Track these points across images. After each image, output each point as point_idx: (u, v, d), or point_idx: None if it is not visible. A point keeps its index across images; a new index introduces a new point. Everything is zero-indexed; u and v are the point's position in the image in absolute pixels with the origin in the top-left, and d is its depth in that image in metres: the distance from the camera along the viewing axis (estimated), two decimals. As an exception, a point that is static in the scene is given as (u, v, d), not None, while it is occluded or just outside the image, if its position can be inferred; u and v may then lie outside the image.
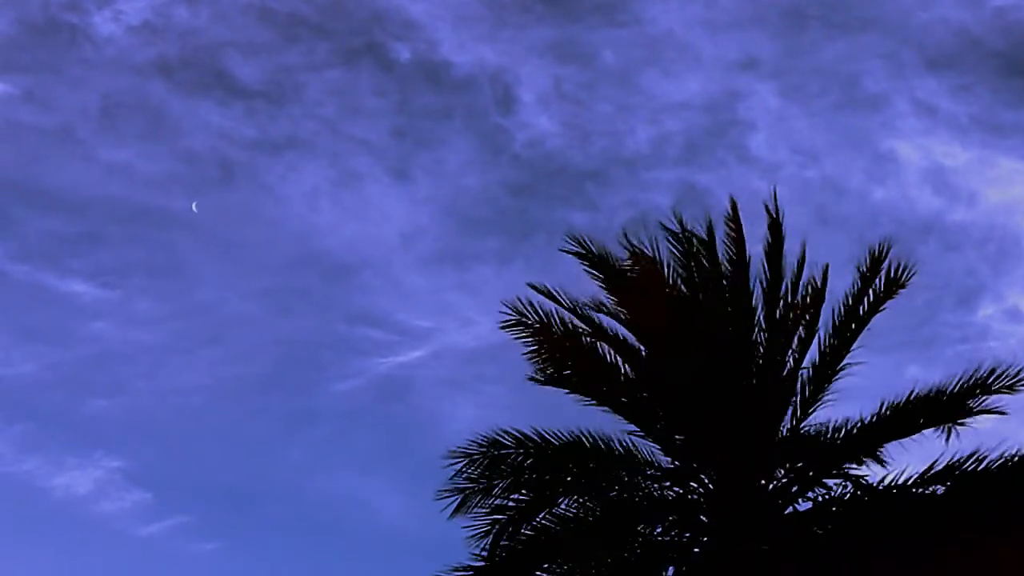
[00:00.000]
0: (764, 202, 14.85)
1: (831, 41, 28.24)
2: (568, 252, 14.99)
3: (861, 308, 14.62)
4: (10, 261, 29.79)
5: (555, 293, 14.96)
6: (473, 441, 14.57)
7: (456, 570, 14.10)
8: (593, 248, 14.97)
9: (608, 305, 14.94)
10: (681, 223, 14.88)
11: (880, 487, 13.81)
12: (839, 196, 28.15)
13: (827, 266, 14.73)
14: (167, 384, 30.81)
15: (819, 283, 14.66)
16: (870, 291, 14.61)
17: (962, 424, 13.98)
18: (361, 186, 30.13)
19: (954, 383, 13.99)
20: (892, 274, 14.56)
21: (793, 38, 28.48)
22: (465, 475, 14.56)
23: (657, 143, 28.95)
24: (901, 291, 14.63)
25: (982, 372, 13.94)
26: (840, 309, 14.62)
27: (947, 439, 13.92)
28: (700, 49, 28.42)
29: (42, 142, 29.18)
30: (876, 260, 14.59)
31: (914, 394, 14.03)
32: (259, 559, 30.97)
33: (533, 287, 14.99)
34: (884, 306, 14.63)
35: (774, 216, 14.77)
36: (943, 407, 13.98)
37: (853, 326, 14.59)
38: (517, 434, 14.56)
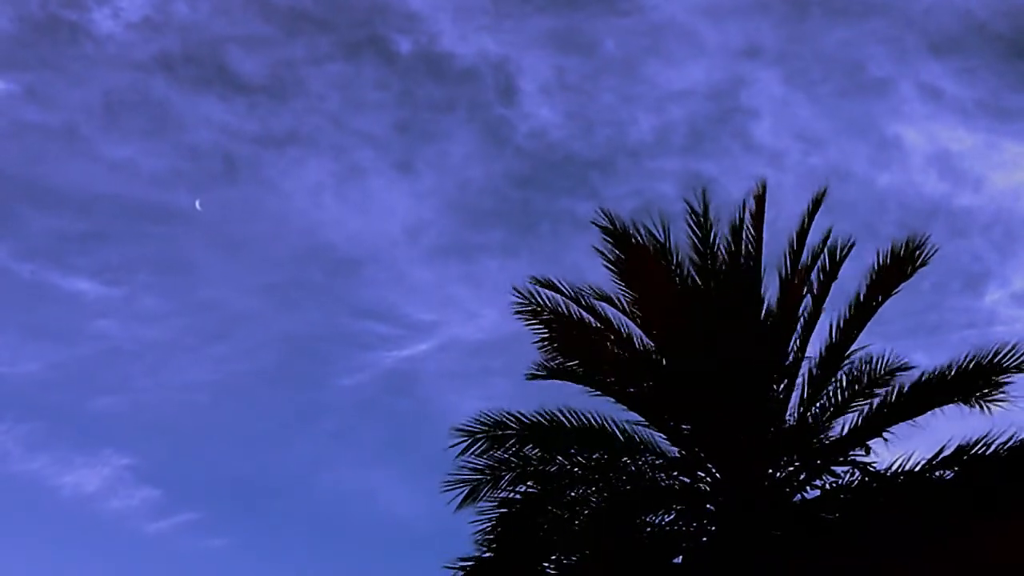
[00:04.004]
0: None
1: (834, 27, 28.16)
2: (598, 226, 14.93)
3: (873, 298, 14.55)
4: (14, 260, 29.84)
5: (560, 285, 14.95)
6: (476, 419, 14.58)
7: (463, 560, 14.09)
8: (618, 226, 14.90)
9: (617, 296, 14.90)
10: (706, 206, 14.77)
11: (888, 473, 13.76)
12: (844, 182, 28.06)
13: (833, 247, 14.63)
14: (174, 381, 30.88)
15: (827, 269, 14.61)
16: (884, 283, 14.52)
17: (968, 404, 13.91)
18: (365, 180, 30.14)
19: (956, 366, 13.95)
20: (904, 256, 14.44)
21: (796, 24, 28.39)
22: (471, 465, 14.51)
23: (661, 132, 28.91)
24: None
25: (985, 354, 13.91)
26: (854, 301, 14.56)
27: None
28: (703, 36, 28.34)
29: (45, 140, 29.21)
30: (896, 257, 14.48)
31: (920, 378, 14.03)
32: (268, 554, 31.02)
33: (537, 281, 14.97)
34: (896, 290, 14.55)
35: (811, 207, 14.66)
36: (946, 390, 13.93)
37: (862, 315, 14.53)
38: (522, 417, 14.53)
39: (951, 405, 14.00)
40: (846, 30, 28.05)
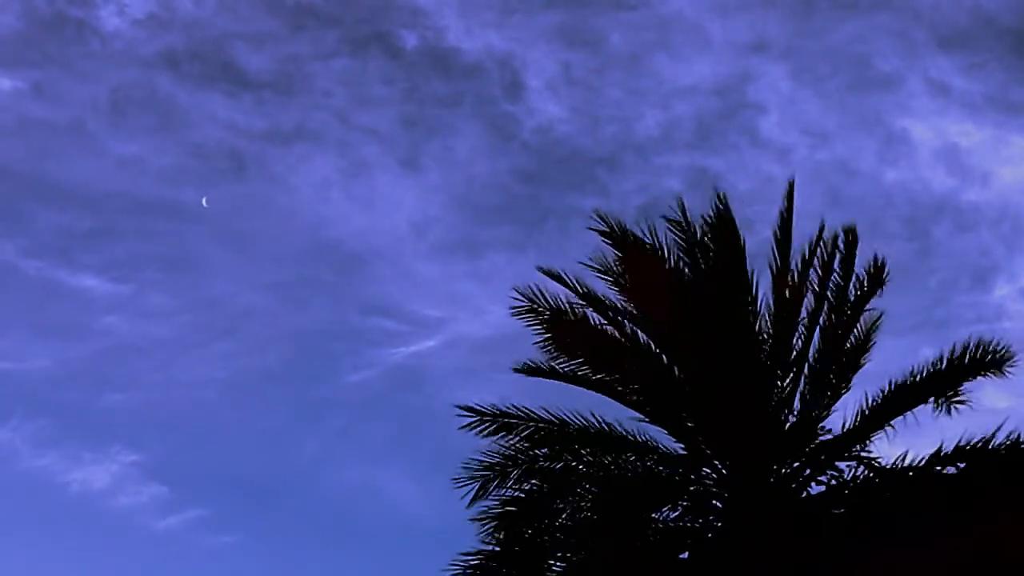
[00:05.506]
0: (782, 194, 14.89)
1: (841, 21, 28.08)
2: (595, 230, 14.91)
3: (850, 292, 14.62)
4: (22, 257, 29.91)
5: (565, 277, 14.92)
6: (482, 406, 14.62)
7: (469, 556, 14.09)
8: (617, 228, 14.88)
9: (615, 300, 14.88)
10: (684, 211, 14.81)
11: (891, 469, 13.77)
12: (851, 177, 28.03)
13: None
14: (181, 377, 30.93)
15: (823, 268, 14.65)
16: (853, 276, 14.65)
17: (957, 402, 13.97)
18: (371, 176, 30.14)
19: (947, 360, 14.04)
20: (871, 269, 14.59)
21: (803, 19, 28.33)
22: (480, 461, 14.52)
23: (667, 127, 28.86)
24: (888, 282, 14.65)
25: (972, 349, 14.01)
26: (838, 293, 14.62)
27: (945, 412, 13.99)
28: (710, 31, 28.30)
29: (52, 137, 29.26)
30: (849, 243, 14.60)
31: (912, 373, 14.13)
32: (276, 551, 31.06)
33: (543, 271, 14.93)
34: (877, 292, 14.61)
35: (786, 205, 14.74)
36: (937, 385, 14.00)
37: (852, 309, 14.57)
38: (530, 412, 14.55)
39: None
40: (853, 25, 28.00)
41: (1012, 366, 13.99)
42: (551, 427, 14.51)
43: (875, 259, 14.60)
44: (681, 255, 14.76)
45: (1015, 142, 27.95)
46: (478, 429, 14.52)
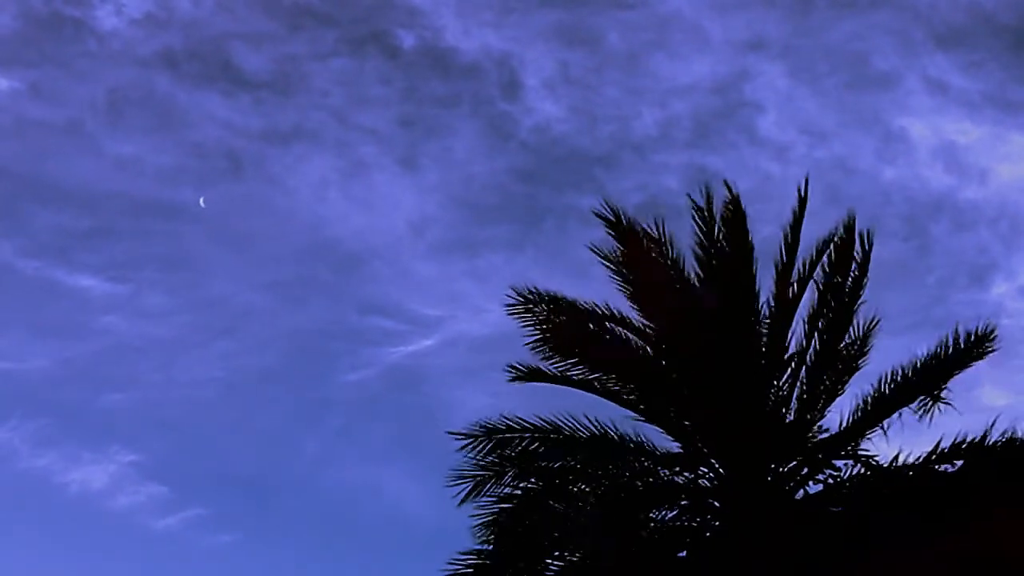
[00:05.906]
0: (783, 192, 14.90)
1: (840, 20, 28.05)
2: (600, 216, 14.84)
3: (846, 286, 14.61)
4: (20, 257, 29.86)
5: (547, 294, 14.87)
6: (478, 424, 14.56)
7: (465, 555, 14.07)
8: (623, 219, 14.84)
9: (618, 309, 14.88)
10: (709, 200, 14.67)
11: (889, 467, 13.77)
12: (849, 176, 27.98)
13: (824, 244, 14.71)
14: (180, 377, 30.89)
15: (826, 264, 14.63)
16: (851, 271, 14.63)
17: (942, 399, 14.06)
18: (369, 176, 30.11)
19: (939, 352, 14.17)
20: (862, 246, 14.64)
21: (801, 17, 28.29)
22: (475, 461, 14.47)
23: (665, 126, 28.80)
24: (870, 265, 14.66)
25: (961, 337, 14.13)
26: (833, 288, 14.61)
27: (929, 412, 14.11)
28: (707, 30, 28.24)
29: (49, 137, 29.22)
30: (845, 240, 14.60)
31: (907, 368, 14.22)
32: (275, 550, 31.03)
33: (527, 291, 14.86)
34: (865, 279, 14.63)
35: (800, 200, 14.69)
36: (931, 379, 14.10)
37: (845, 303, 14.56)
38: (524, 422, 14.50)
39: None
40: (851, 23, 27.97)
41: (997, 340, 14.15)
42: (546, 435, 14.46)
43: (860, 236, 14.65)
44: (696, 247, 14.68)
45: (1013, 140, 27.95)
46: (473, 450, 14.47)
